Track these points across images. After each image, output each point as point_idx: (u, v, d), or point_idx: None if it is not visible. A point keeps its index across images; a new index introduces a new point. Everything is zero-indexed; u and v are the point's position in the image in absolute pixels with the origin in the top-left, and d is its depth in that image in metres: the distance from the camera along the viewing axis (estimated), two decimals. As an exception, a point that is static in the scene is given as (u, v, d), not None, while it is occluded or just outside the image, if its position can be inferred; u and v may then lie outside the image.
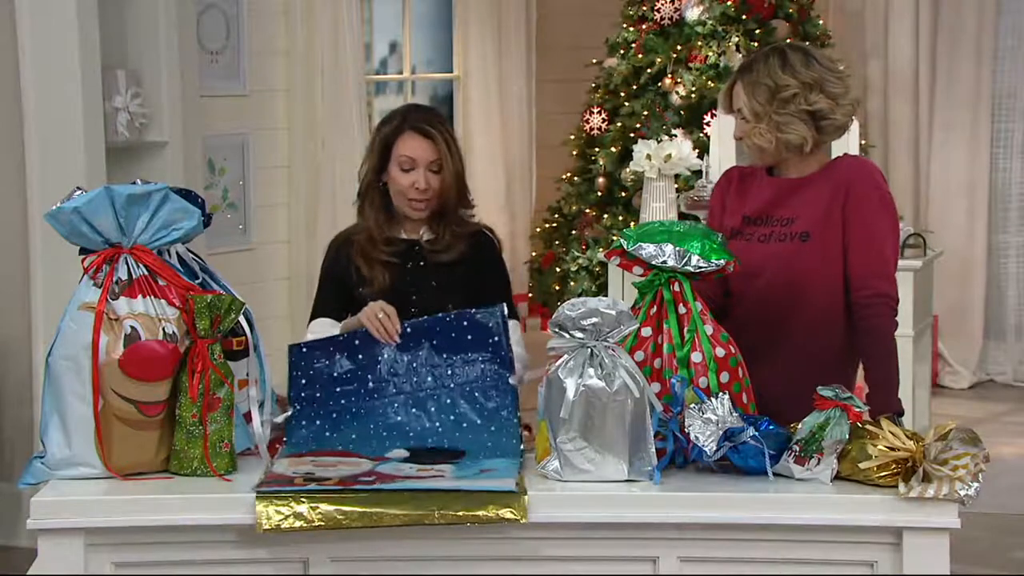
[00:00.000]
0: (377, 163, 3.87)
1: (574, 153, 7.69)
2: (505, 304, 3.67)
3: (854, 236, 3.61)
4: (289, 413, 3.53)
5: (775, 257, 3.66)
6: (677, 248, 3.41)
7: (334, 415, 3.52)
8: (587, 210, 7.39)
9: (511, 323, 3.71)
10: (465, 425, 3.49)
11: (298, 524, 3.02)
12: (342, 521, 3.03)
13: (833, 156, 3.82)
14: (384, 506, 3.05)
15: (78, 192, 3.23)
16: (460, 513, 3.04)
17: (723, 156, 6.56)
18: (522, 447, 3.38)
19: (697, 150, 6.67)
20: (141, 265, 3.23)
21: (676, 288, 3.42)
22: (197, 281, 3.33)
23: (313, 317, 3.96)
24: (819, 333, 3.65)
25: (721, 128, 6.64)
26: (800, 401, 3.26)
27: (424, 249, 3.90)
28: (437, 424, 3.49)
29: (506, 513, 3.05)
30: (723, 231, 3.64)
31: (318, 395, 3.56)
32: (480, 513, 3.05)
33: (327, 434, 3.47)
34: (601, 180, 7.37)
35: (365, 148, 4.03)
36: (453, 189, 3.85)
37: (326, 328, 3.85)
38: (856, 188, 3.63)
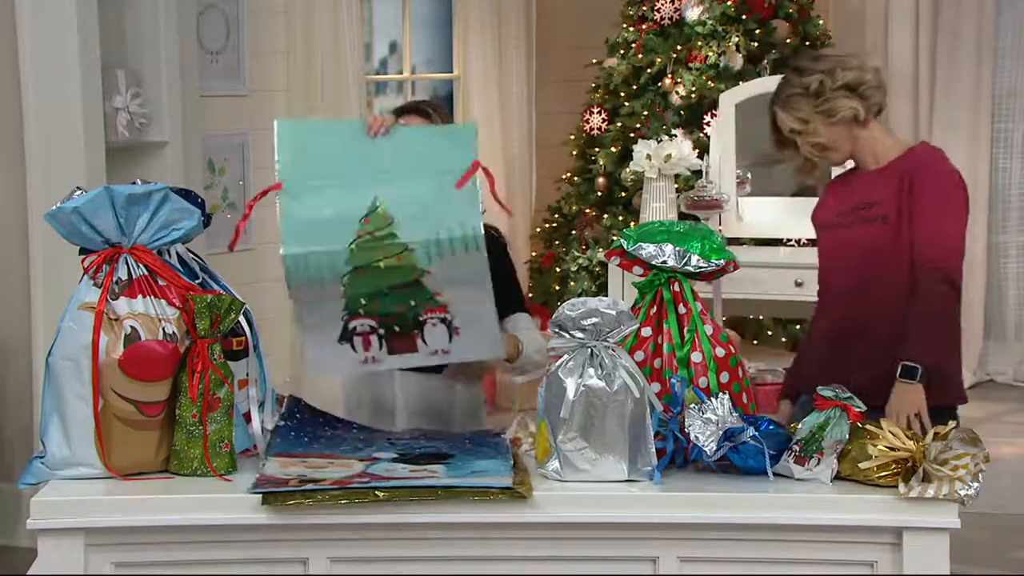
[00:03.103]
0: None
1: (574, 153, 7.70)
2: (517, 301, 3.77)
3: (916, 214, 3.72)
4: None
5: (859, 240, 3.78)
6: (677, 248, 3.41)
7: (319, 432, 3.52)
8: (587, 210, 7.40)
9: (521, 316, 3.79)
10: (453, 442, 3.48)
11: (306, 501, 3.04)
12: (340, 498, 3.04)
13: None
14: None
15: (78, 192, 3.23)
16: (465, 488, 3.06)
17: (723, 156, 6.57)
18: (511, 462, 3.34)
19: (697, 150, 6.68)
20: (141, 265, 3.23)
21: (676, 288, 3.42)
22: (197, 281, 3.34)
23: None
24: (900, 317, 3.67)
25: (721, 128, 6.65)
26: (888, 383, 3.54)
27: None
28: (422, 439, 3.50)
29: (512, 493, 3.05)
30: (820, 230, 3.90)
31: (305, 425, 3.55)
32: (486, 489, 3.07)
33: (312, 445, 3.45)
34: (601, 180, 7.37)
35: None
36: None
37: None
38: (921, 170, 3.77)
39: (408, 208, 3.37)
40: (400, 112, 3.96)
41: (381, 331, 3.41)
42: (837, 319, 3.83)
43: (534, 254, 7.90)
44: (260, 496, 3.07)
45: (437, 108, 4.01)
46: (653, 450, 3.19)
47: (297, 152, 3.46)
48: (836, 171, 4.13)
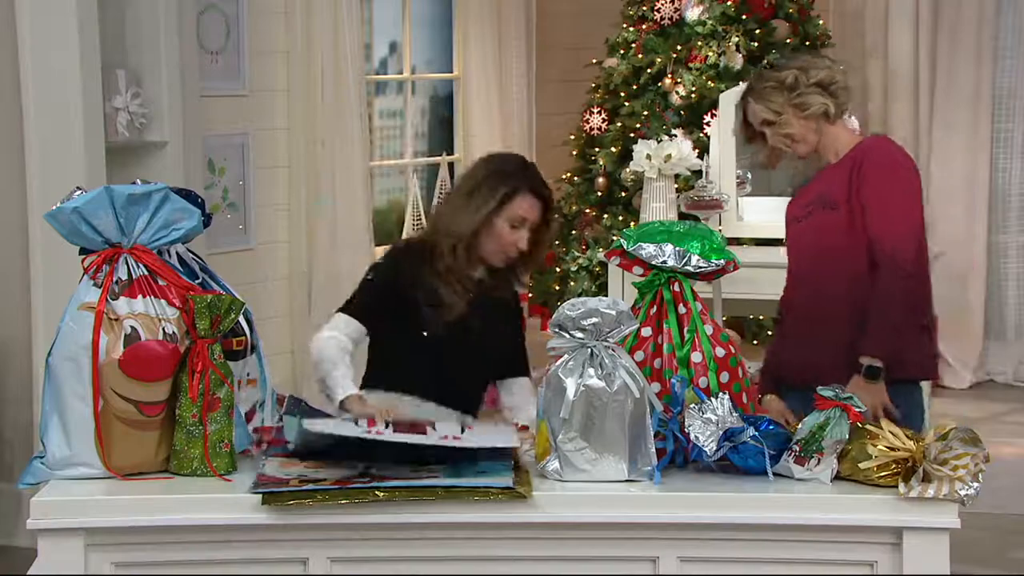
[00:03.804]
0: (494, 209, 3.89)
1: (574, 153, 7.70)
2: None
3: (865, 203, 3.87)
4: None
5: (815, 229, 3.94)
6: (677, 248, 3.41)
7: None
8: (587, 210, 7.40)
9: (524, 381, 3.98)
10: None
11: (306, 501, 3.04)
12: (340, 498, 3.04)
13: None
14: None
15: (78, 192, 3.23)
16: (465, 488, 3.06)
17: (723, 156, 6.56)
18: (511, 462, 3.34)
19: (697, 150, 6.68)
20: (141, 265, 3.23)
21: (676, 288, 3.42)
22: (197, 281, 3.33)
23: (342, 311, 3.94)
24: (857, 298, 3.83)
25: (721, 128, 6.65)
26: (841, 368, 3.72)
27: (485, 284, 3.98)
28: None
29: (512, 493, 3.05)
30: (787, 226, 4.06)
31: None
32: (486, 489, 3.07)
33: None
34: (601, 180, 7.37)
35: (465, 181, 4.04)
36: (545, 251, 4.00)
37: (346, 333, 3.85)
38: (867, 159, 3.94)
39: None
40: (521, 185, 3.93)
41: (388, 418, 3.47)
42: (798, 305, 4.00)
43: (534, 254, 7.88)
44: (260, 496, 3.07)
45: (550, 189, 4.05)
46: (653, 450, 3.19)
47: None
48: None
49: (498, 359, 4.02)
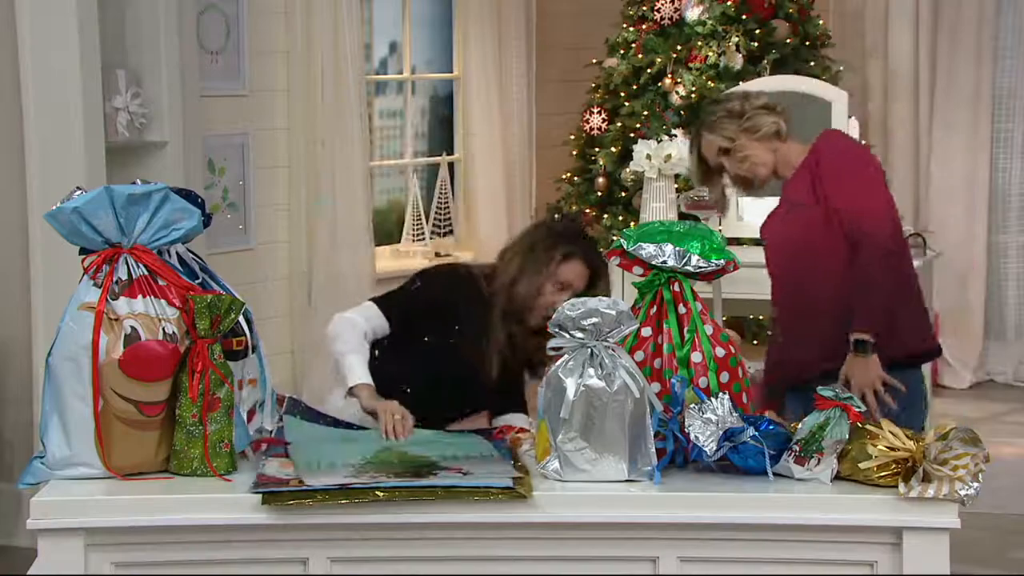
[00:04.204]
0: (541, 273, 3.91)
1: (574, 153, 7.69)
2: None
3: (830, 194, 3.96)
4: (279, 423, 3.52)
5: (788, 227, 4.05)
6: (677, 248, 3.41)
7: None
8: (587, 210, 7.39)
9: (518, 416, 3.98)
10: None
11: (306, 501, 3.04)
12: (340, 498, 3.04)
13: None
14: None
15: (78, 192, 3.23)
16: (465, 488, 3.06)
17: (723, 156, 6.55)
18: (512, 462, 3.34)
19: (697, 150, 6.66)
20: (141, 265, 3.23)
21: (676, 288, 3.42)
22: (197, 281, 3.33)
23: (376, 302, 3.94)
24: (838, 293, 3.93)
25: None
26: (832, 359, 3.86)
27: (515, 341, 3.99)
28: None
29: (512, 493, 3.05)
30: (764, 241, 4.17)
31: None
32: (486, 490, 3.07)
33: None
34: (601, 180, 7.37)
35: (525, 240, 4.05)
36: None
37: (370, 322, 3.85)
38: (822, 158, 4.03)
39: (434, 447, 3.43)
40: (575, 252, 3.95)
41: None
42: (782, 306, 4.12)
43: (534, 254, 7.87)
44: (260, 496, 3.08)
45: (603, 257, 3.97)
46: (653, 450, 3.19)
47: (306, 440, 3.46)
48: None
49: (495, 399, 4.05)
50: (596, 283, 3.96)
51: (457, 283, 3.99)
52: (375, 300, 3.95)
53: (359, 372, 3.75)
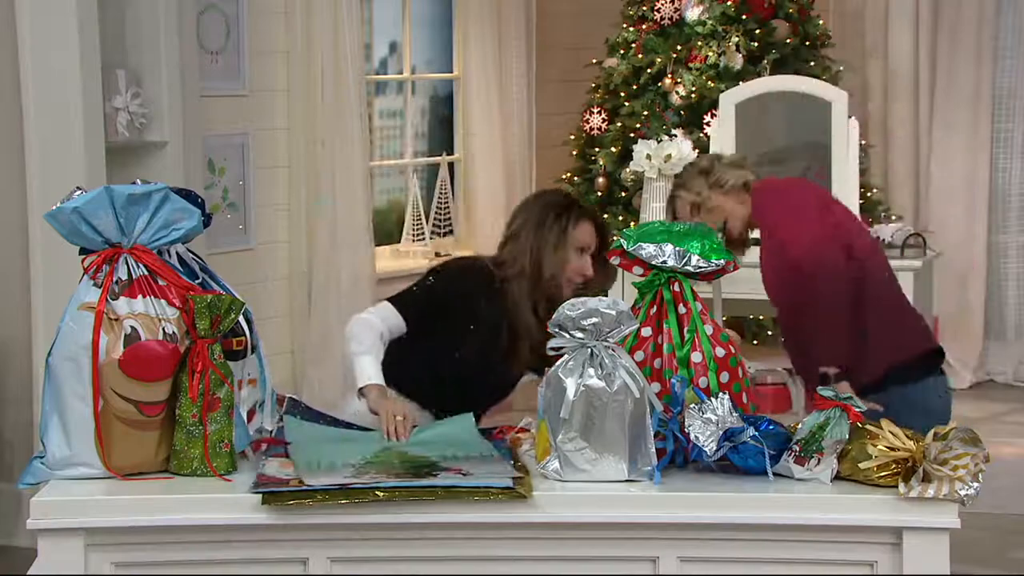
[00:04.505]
0: (559, 243, 3.93)
1: (574, 153, 7.70)
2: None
3: (765, 241, 4.10)
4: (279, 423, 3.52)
5: (773, 265, 4.08)
6: (677, 248, 3.41)
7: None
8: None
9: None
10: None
11: (306, 501, 3.04)
12: (340, 498, 3.04)
13: None
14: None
15: (78, 192, 3.22)
16: (465, 488, 3.06)
17: (723, 156, 6.55)
18: (512, 462, 3.34)
19: (697, 150, 6.68)
20: (141, 265, 3.23)
21: (676, 288, 3.42)
22: (197, 281, 3.33)
23: (392, 301, 3.93)
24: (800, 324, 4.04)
25: (722, 128, 6.65)
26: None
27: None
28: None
29: (512, 493, 3.05)
30: None
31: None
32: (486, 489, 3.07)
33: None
34: (601, 180, 7.37)
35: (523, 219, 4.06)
36: (612, 272, 4.01)
37: (387, 322, 3.85)
38: (754, 203, 4.18)
39: (434, 447, 3.42)
40: (581, 215, 3.99)
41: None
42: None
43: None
44: (260, 496, 3.07)
45: (601, 218, 4.10)
46: (653, 450, 3.19)
47: (306, 440, 3.45)
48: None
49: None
50: (604, 237, 4.00)
51: (471, 274, 3.99)
52: (391, 300, 3.95)
53: (370, 372, 3.74)
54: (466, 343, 3.90)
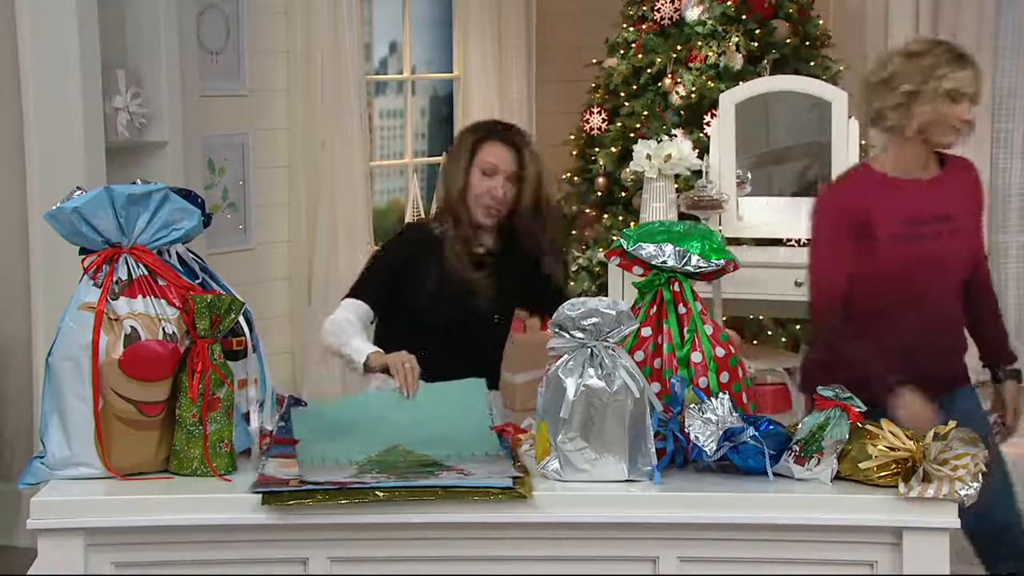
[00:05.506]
0: (468, 161, 3.96)
1: (574, 153, 7.69)
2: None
3: None
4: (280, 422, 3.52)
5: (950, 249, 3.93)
6: (677, 248, 3.42)
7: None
8: (587, 210, 7.39)
9: (496, 394, 3.97)
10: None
11: (306, 501, 3.04)
12: (340, 498, 3.04)
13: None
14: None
15: (78, 192, 3.23)
16: (465, 488, 3.06)
17: (723, 156, 6.56)
18: (512, 462, 3.33)
19: (697, 150, 6.67)
20: (141, 265, 3.23)
21: (676, 288, 3.42)
22: (197, 281, 3.34)
23: (351, 295, 3.96)
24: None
25: (722, 128, 6.65)
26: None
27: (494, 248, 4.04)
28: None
29: (512, 493, 3.05)
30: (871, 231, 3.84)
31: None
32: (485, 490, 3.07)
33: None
34: (601, 180, 7.36)
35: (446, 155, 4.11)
36: (543, 197, 4.00)
37: (355, 313, 3.86)
38: None
39: (439, 446, 3.41)
40: (488, 135, 4.00)
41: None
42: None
43: (534, 254, 7.87)
44: (260, 496, 3.08)
45: (527, 140, 4.07)
46: (653, 450, 3.19)
47: (313, 431, 3.45)
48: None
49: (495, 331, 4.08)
50: (524, 163, 3.97)
51: (409, 235, 4.12)
52: (347, 295, 3.98)
53: (362, 347, 3.79)
54: (433, 303, 3.92)
